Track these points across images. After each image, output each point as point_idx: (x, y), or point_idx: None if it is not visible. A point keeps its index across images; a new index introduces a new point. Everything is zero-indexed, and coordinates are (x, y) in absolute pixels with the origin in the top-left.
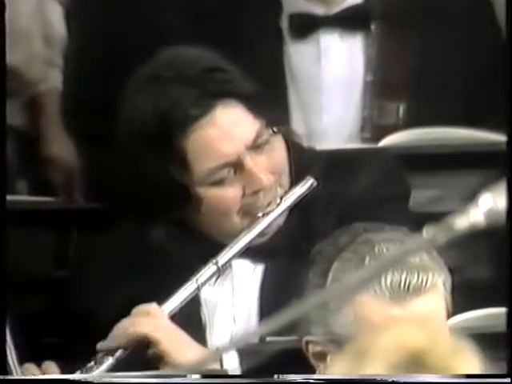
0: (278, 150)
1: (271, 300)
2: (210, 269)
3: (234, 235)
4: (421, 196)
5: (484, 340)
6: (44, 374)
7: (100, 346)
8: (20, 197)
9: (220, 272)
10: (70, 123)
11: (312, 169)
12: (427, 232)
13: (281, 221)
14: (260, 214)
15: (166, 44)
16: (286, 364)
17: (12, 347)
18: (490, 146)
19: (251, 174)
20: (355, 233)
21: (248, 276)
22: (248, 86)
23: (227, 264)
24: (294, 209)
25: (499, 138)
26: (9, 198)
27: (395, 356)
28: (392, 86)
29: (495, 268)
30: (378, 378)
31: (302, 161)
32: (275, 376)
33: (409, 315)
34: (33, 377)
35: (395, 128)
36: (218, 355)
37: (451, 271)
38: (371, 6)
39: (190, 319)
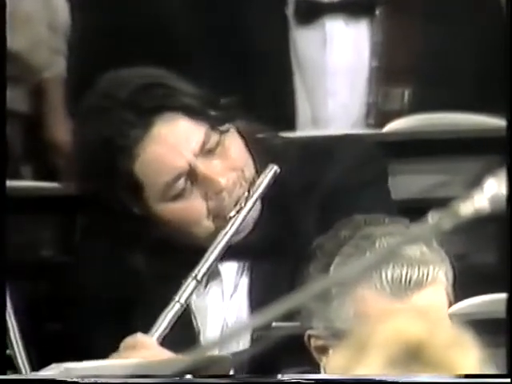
0: (232, 148)
1: (261, 298)
2: (190, 285)
3: (212, 239)
4: (425, 181)
5: (489, 326)
6: None
7: None
8: (25, 182)
9: (201, 284)
10: (73, 110)
11: (281, 156)
12: (432, 218)
13: (255, 214)
14: (232, 214)
15: (169, 31)
16: (290, 352)
17: (17, 334)
18: (495, 132)
19: (207, 179)
20: (355, 226)
21: (236, 278)
22: (188, 96)
23: (207, 274)
24: (269, 200)
25: (504, 123)
26: (13, 183)
27: (394, 348)
28: (397, 72)
29: (500, 253)
30: (378, 378)
31: (269, 149)
32: (275, 375)
33: (410, 310)
34: (32, 376)
35: (400, 113)
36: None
37: (455, 258)
38: None
39: (183, 326)
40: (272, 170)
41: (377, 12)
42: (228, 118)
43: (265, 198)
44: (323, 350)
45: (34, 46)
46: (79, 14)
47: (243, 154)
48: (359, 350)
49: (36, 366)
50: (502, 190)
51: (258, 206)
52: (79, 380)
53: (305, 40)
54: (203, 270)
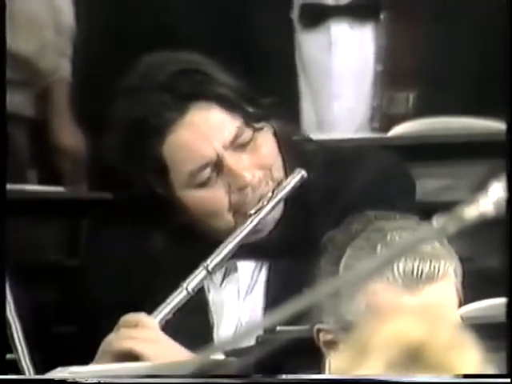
0: (264, 146)
1: (277, 298)
2: (200, 274)
3: (229, 233)
4: (430, 185)
5: (493, 330)
6: None
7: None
8: (30, 186)
9: (211, 275)
10: (78, 113)
11: (311, 161)
12: (437, 221)
13: (277, 215)
14: (252, 211)
15: (175, 34)
16: (296, 355)
17: (21, 337)
18: (499, 136)
19: (233, 173)
20: (367, 220)
21: (253, 276)
22: (226, 87)
23: (219, 266)
24: (293, 202)
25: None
26: (19, 187)
27: (394, 350)
28: (402, 76)
29: (506, 257)
30: (378, 378)
31: (300, 152)
32: (276, 375)
33: (421, 303)
34: (32, 377)
35: (405, 117)
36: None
37: (462, 260)
38: None
39: (198, 319)
40: (299, 174)
41: (381, 16)
42: (265, 116)
43: (288, 199)
44: (332, 345)
45: (41, 49)
46: (84, 17)
47: (274, 153)
48: (360, 353)
49: (41, 369)
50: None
51: (281, 207)
52: (84, 381)
53: (310, 43)
54: (215, 261)
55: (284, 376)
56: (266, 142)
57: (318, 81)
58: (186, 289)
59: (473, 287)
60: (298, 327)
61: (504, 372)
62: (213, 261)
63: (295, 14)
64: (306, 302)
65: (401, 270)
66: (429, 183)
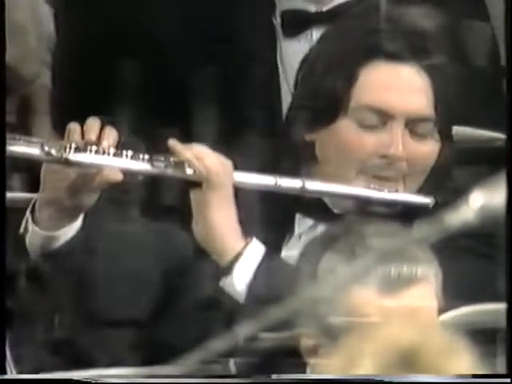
0: (425, 151)
1: None
2: (293, 183)
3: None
4: None
5: (479, 335)
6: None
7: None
8: (13, 193)
9: (303, 191)
10: (58, 121)
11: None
12: (419, 227)
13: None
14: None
15: (157, 41)
16: (279, 361)
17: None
18: (484, 142)
19: (392, 139)
20: (348, 224)
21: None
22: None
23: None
24: None
25: (493, 134)
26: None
27: (388, 354)
28: None
29: (488, 263)
30: (375, 378)
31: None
32: (272, 375)
33: (400, 306)
34: (32, 377)
35: None
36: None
37: (442, 265)
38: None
39: None
40: (425, 200)
41: None
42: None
43: None
44: (313, 350)
45: (24, 56)
46: (64, 25)
47: (424, 164)
48: (352, 357)
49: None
50: (490, 201)
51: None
52: (83, 380)
53: (292, 50)
54: (312, 186)
55: (282, 376)
56: (430, 150)
57: None
58: (276, 184)
59: (459, 292)
60: (279, 334)
61: (504, 372)
62: (310, 185)
63: (277, 22)
64: (285, 308)
65: (379, 273)
66: None
